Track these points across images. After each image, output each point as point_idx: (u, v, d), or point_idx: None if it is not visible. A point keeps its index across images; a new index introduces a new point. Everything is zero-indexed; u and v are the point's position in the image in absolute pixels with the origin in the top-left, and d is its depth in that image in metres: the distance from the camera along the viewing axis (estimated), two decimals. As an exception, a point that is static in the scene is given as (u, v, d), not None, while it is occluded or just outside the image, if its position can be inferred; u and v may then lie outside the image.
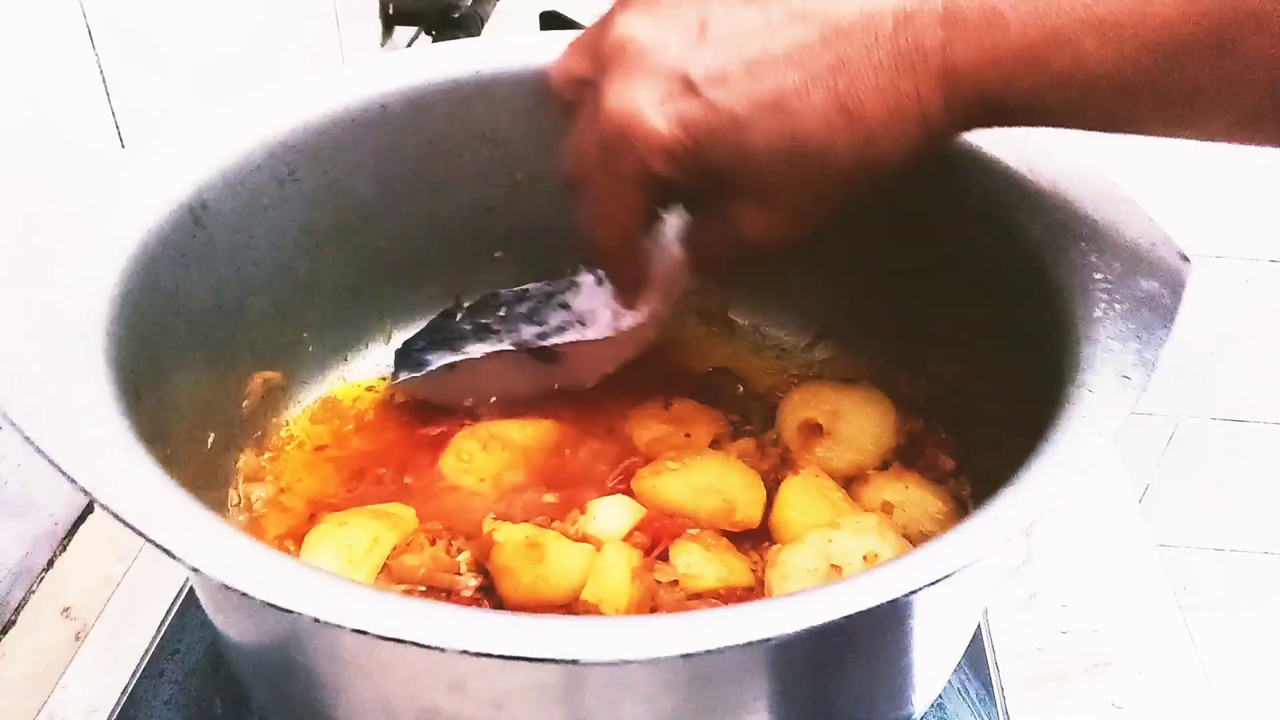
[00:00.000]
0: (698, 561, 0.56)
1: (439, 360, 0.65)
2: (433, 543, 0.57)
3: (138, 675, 0.61)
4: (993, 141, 0.59)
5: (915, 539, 0.58)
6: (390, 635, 0.34)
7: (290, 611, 0.34)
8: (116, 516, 0.37)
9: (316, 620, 0.34)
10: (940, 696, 0.60)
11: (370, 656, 0.41)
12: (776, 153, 0.48)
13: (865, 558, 0.55)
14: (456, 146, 0.68)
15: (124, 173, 0.55)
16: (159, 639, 0.63)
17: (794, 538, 0.57)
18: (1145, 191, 0.60)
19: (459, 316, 0.67)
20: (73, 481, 0.38)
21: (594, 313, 0.66)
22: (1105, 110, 0.46)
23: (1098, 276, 0.50)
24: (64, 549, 0.70)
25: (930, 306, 0.64)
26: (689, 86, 0.48)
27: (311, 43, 1.00)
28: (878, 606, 0.35)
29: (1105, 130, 0.48)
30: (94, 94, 0.69)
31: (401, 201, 0.68)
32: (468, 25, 1.10)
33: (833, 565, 0.55)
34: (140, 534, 0.37)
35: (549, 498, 0.61)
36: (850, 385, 0.67)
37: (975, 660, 0.63)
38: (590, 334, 0.65)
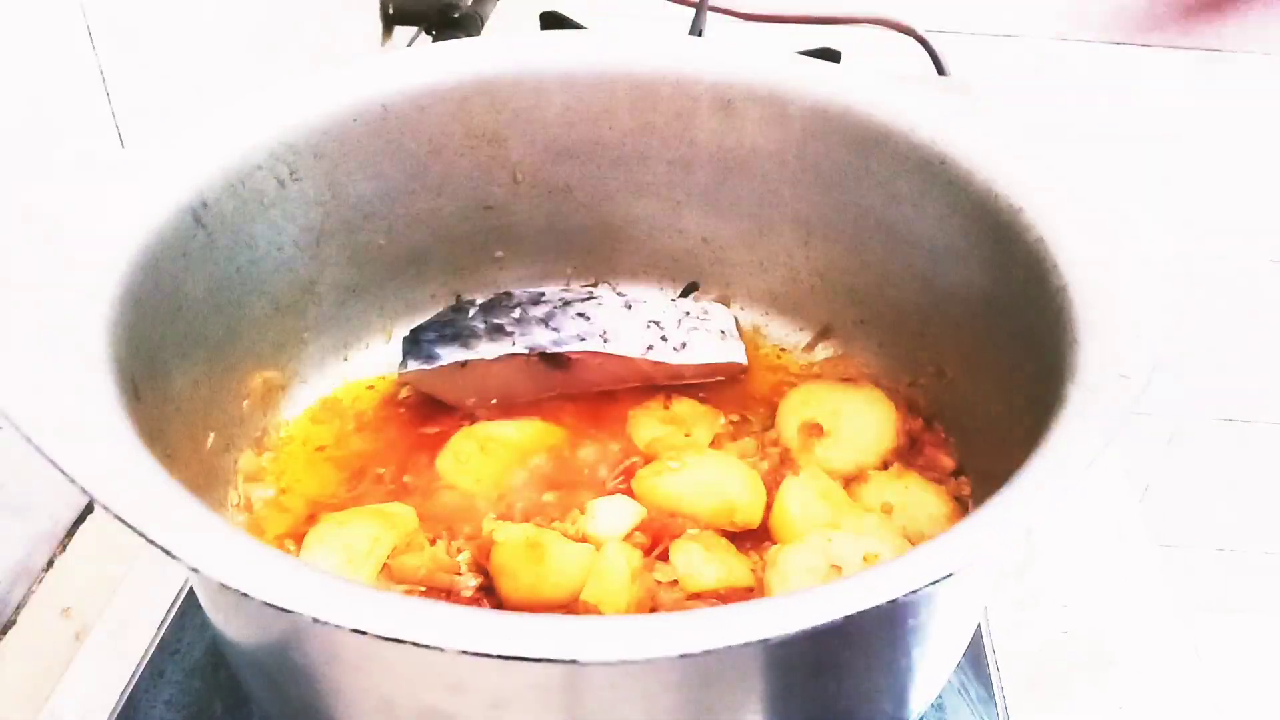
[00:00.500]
0: (698, 561, 0.56)
1: (450, 356, 0.65)
2: (433, 543, 0.57)
3: (138, 675, 0.61)
4: (993, 142, 0.59)
5: (915, 539, 0.58)
6: (390, 635, 0.34)
7: (290, 611, 0.35)
8: (116, 516, 0.37)
9: (316, 620, 0.34)
10: (940, 696, 0.60)
11: (370, 656, 0.41)
12: None
13: (865, 558, 0.55)
14: (457, 146, 0.68)
15: (124, 173, 0.55)
16: (159, 639, 0.63)
17: (794, 538, 0.57)
18: (1145, 192, 0.60)
19: (471, 313, 0.67)
20: (73, 481, 0.38)
21: (619, 331, 0.66)
22: None
23: (1098, 277, 0.50)
24: (64, 549, 0.70)
25: (930, 306, 0.64)
26: None
27: (311, 43, 1.00)
28: (878, 606, 0.35)
29: None
30: (94, 94, 0.69)
31: (402, 201, 0.68)
32: (468, 25, 1.10)
33: (833, 565, 0.55)
34: (140, 534, 0.37)
35: (549, 497, 0.61)
36: (850, 385, 0.67)
37: (975, 660, 0.63)
38: (612, 349, 0.65)
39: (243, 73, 0.87)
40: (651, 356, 0.66)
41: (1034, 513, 0.39)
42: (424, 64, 0.66)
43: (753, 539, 0.59)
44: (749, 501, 0.59)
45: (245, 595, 0.35)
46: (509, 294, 0.69)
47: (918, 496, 0.60)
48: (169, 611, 0.65)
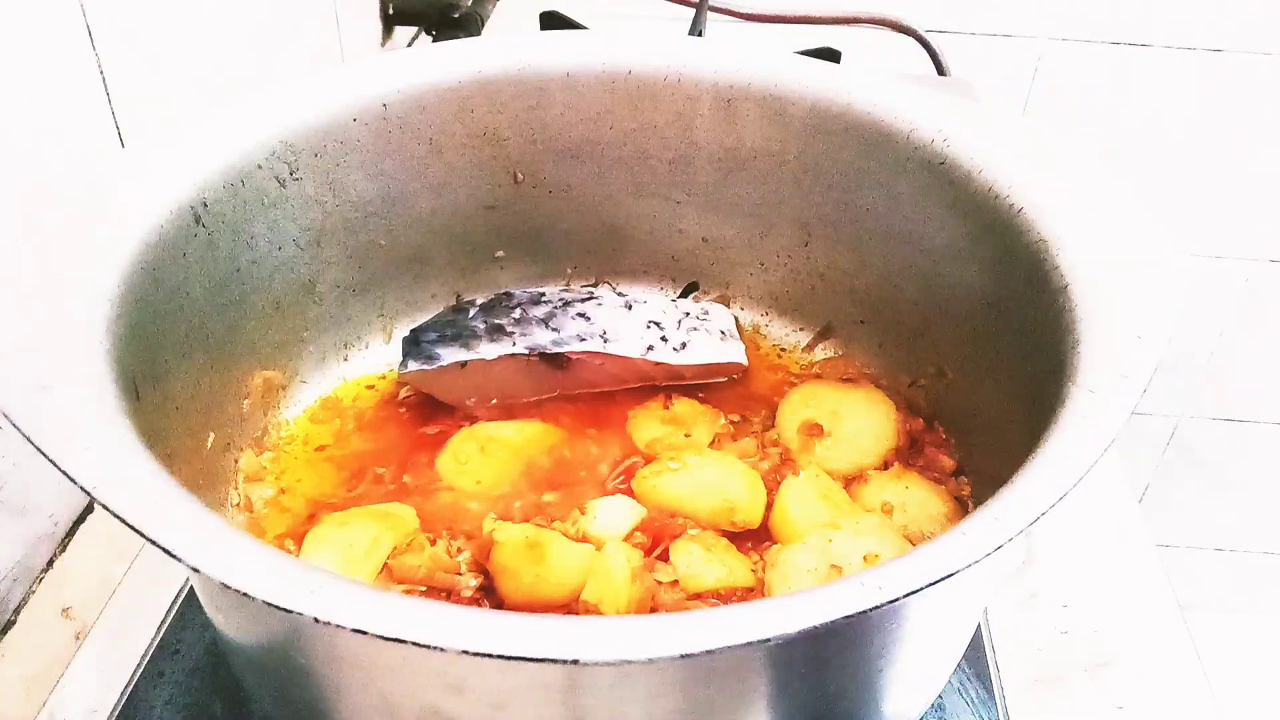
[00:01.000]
0: (698, 561, 0.56)
1: (451, 356, 0.65)
2: (433, 543, 0.57)
3: (138, 675, 0.61)
4: (993, 142, 0.59)
5: (915, 539, 0.58)
6: (390, 635, 0.34)
7: (290, 611, 0.35)
8: (117, 516, 0.37)
9: (317, 620, 0.34)
10: (940, 696, 0.60)
11: (371, 656, 0.41)
12: None
13: (865, 558, 0.55)
14: (457, 146, 0.68)
15: (124, 173, 0.55)
16: (159, 639, 0.63)
17: (794, 538, 0.57)
18: (1146, 192, 0.60)
19: (471, 314, 0.67)
20: (73, 481, 0.38)
21: (619, 331, 0.66)
22: None
23: (1098, 277, 0.50)
24: (64, 549, 0.70)
25: (930, 306, 0.64)
26: None
27: (311, 43, 1.00)
28: (878, 606, 0.35)
29: None
30: (94, 94, 0.69)
31: (402, 200, 0.68)
32: (468, 25, 1.10)
33: (833, 565, 0.55)
34: (140, 533, 0.37)
35: (549, 497, 0.61)
36: (850, 385, 0.67)
37: (975, 660, 0.63)
38: (612, 349, 0.65)
39: (243, 72, 0.87)
40: (652, 357, 0.66)
41: (1034, 513, 0.39)
42: (424, 64, 0.66)
43: (753, 539, 0.59)
44: (749, 501, 0.59)
45: (246, 595, 0.35)
46: (509, 294, 0.69)
47: (918, 496, 0.60)
48: (169, 611, 0.65)
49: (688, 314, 0.70)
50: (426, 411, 0.67)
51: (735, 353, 0.69)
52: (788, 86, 0.66)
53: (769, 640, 0.34)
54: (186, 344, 0.56)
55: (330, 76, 0.64)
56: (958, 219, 0.60)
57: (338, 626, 0.34)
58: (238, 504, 0.60)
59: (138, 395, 0.47)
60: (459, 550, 0.57)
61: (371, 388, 0.69)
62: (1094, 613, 0.67)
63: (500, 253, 0.73)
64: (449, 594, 0.55)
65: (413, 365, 0.65)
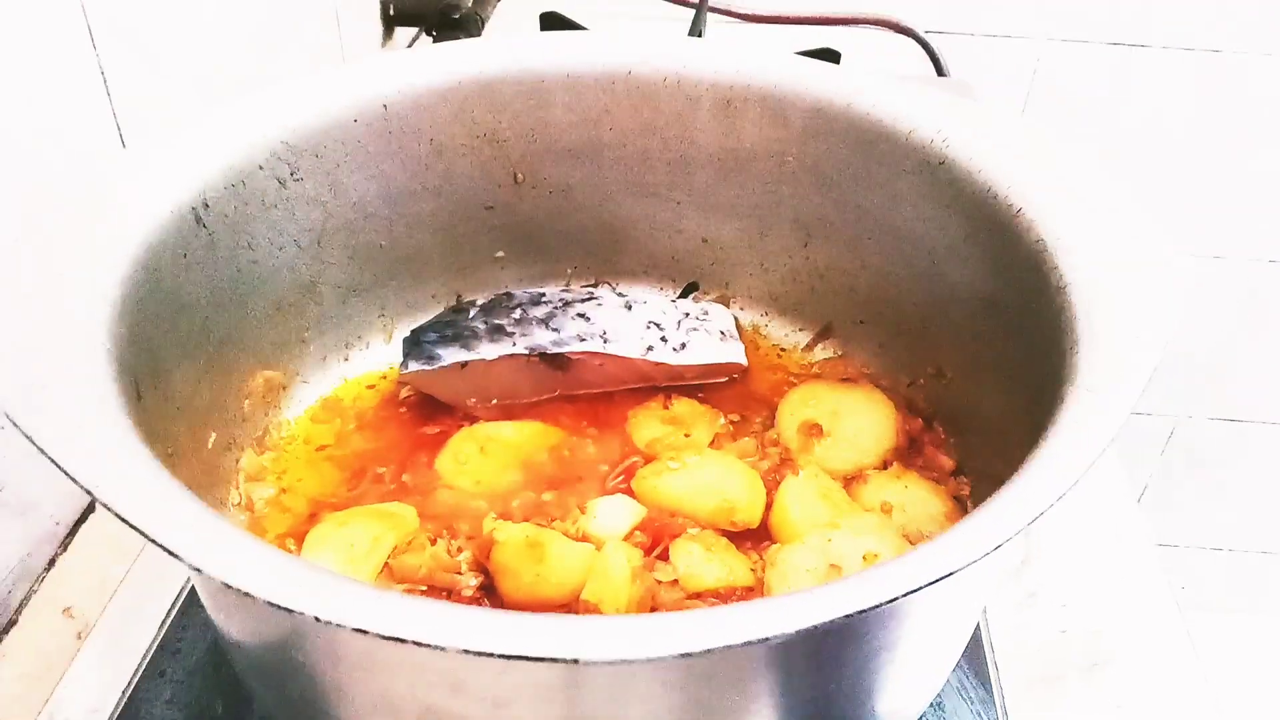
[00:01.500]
0: (698, 561, 0.56)
1: (451, 357, 0.65)
2: (433, 542, 0.57)
3: (139, 675, 0.61)
4: (993, 142, 0.59)
5: (915, 539, 0.58)
6: (391, 635, 0.34)
7: (291, 611, 0.35)
8: (118, 516, 0.37)
9: (318, 619, 0.34)
10: (940, 696, 0.60)
11: (371, 656, 0.41)
12: None
13: (865, 558, 0.55)
14: (457, 146, 0.68)
15: (124, 173, 0.55)
16: (160, 638, 0.63)
17: (794, 538, 0.57)
18: (1146, 192, 0.60)
19: (472, 314, 0.67)
20: (74, 480, 0.38)
21: (619, 331, 0.66)
22: None
23: (1098, 277, 0.50)
24: (65, 549, 0.70)
25: (930, 306, 0.64)
26: None
27: (311, 43, 1.00)
28: (877, 606, 0.35)
29: None
30: (94, 94, 0.69)
31: (402, 201, 0.68)
32: (468, 25, 1.10)
33: (832, 565, 0.55)
34: (142, 533, 0.37)
35: (548, 497, 0.61)
36: (850, 385, 0.67)
37: (975, 660, 0.63)
38: (612, 349, 0.65)
39: (243, 72, 0.87)
40: (651, 357, 0.66)
41: (1034, 513, 0.39)
42: (424, 64, 0.66)
43: (753, 539, 0.59)
44: (749, 501, 0.60)
45: (247, 595, 0.35)
46: (509, 294, 0.69)
47: (917, 496, 0.60)
48: (170, 611, 0.65)
49: (687, 314, 0.70)
50: (427, 411, 0.67)
51: (735, 353, 0.69)
52: (788, 86, 0.66)
53: (769, 640, 0.34)
54: (187, 344, 0.56)
55: (330, 76, 0.64)
56: (958, 219, 0.60)
57: (339, 626, 0.34)
58: (239, 504, 0.60)
59: (139, 395, 0.47)
60: (459, 550, 0.57)
61: (372, 388, 0.69)
62: (1093, 612, 0.68)
63: (500, 253, 0.73)
64: (449, 594, 0.55)
65: (413, 365, 0.65)
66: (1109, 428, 0.42)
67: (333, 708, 0.45)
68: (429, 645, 0.34)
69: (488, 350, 0.65)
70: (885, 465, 0.63)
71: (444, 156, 0.68)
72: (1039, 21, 1.36)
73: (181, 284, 0.55)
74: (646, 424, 0.66)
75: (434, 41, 1.12)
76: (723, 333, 0.69)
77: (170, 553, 0.36)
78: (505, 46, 0.67)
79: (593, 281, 0.76)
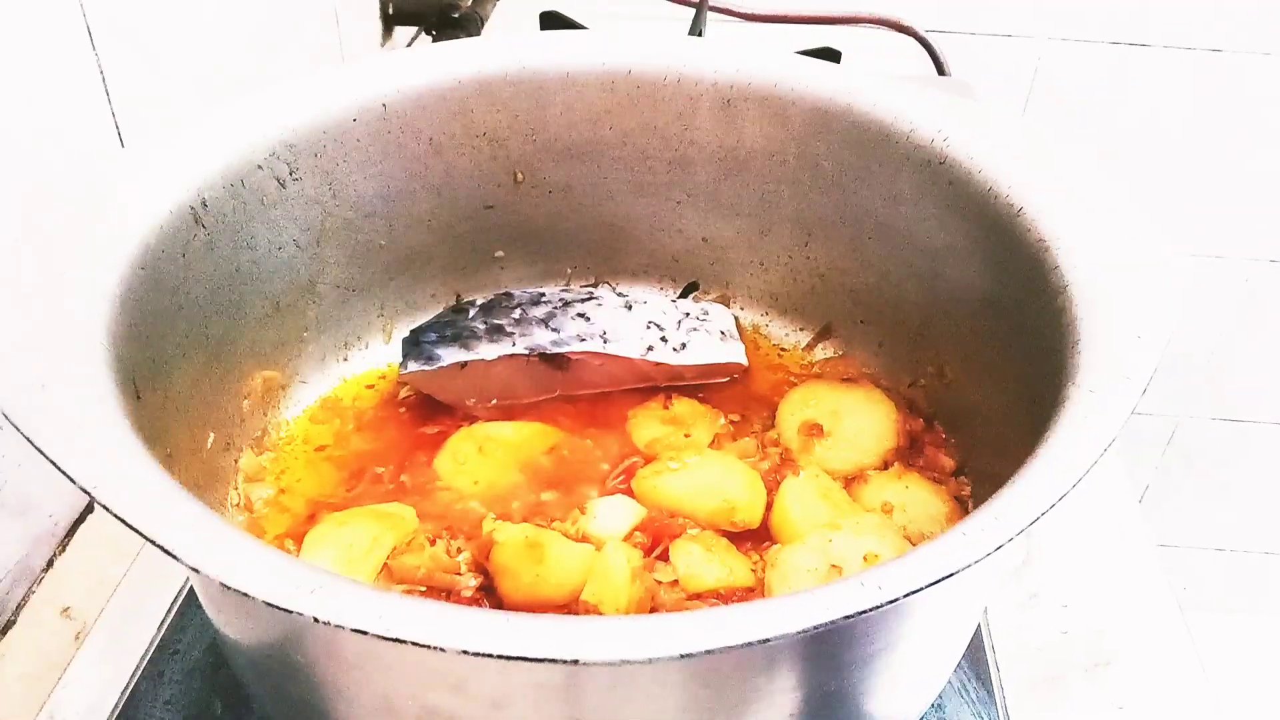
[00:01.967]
0: (698, 561, 0.56)
1: (451, 357, 0.65)
2: (433, 543, 0.57)
3: (137, 675, 0.61)
4: (993, 142, 0.59)
5: (915, 539, 0.58)
6: (390, 635, 0.34)
7: (290, 611, 0.35)
8: (117, 516, 0.37)
9: (317, 620, 0.34)
10: (940, 696, 0.60)
11: (371, 656, 0.41)
12: None
13: (865, 558, 0.55)
14: (457, 146, 0.68)
15: (124, 173, 0.55)
16: (159, 639, 0.63)
17: (794, 538, 0.57)
18: (1145, 192, 0.60)
19: (471, 314, 0.67)
20: (73, 481, 0.38)
21: (619, 331, 0.66)
22: None
23: (1098, 278, 0.50)
24: (64, 549, 0.70)
25: (930, 306, 0.64)
26: None
27: (311, 43, 1.00)
28: (878, 607, 0.35)
29: None
30: (94, 94, 0.69)
31: (402, 200, 0.68)
32: (468, 25, 1.10)
33: (833, 565, 0.55)
34: (140, 534, 0.37)
35: (548, 497, 0.61)
36: (850, 385, 0.67)
37: (975, 660, 0.63)
38: (612, 349, 0.65)
39: (243, 72, 0.87)
40: (651, 357, 0.66)
41: (1035, 513, 0.39)
42: (424, 64, 0.66)
43: (753, 539, 0.59)
44: (749, 501, 0.59)
45: (246, 595, 0.35)
46: (509, 294, 0.69)
47: (918, 496, 0.60)
48: (169, 611, 0.65)
49: (688, 314, 0.70)
50: (426, 411, 0.67)
51: (735, 353, 0.69)
52: (788, 86, 0.66)
53: (769, 640, 0.34)
54: (186, 344, 0.56)
55: (330, 76, 0.64)
56: (958, 219, 0.60)
57: (338, 626, 0.34)
58: (238, 504, 0.60)
59: (138, 395, 0.47)
60: (459, 550, 0.57)
61: (371, 388, 0.69)
62: (1094, 613, 0.67)
63: (500, 253, 0.73)
64: (449, 594, 0.55)
65: (413, 366, 0.65)
66: (1110, 428, 0.42)
67: (332, 708, 0.45)
68: (428, 646, 0.34)
69: (487, 350, 0.65)
70: (886, 465, 0.63)
71: (443, 156, 0.68)
72: (1039, 21, 1.36)
73: (180, 283, 0.55)
74: (646, 424, 0.66)
75: (433, 41, 1.12)
76: (723, 333, 0.69)
77: (169, 553, 0.36)
78: (505, 46, 0.67)
79: (593, 281, 0.76)
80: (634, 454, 0.64)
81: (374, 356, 0.71)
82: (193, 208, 0.56)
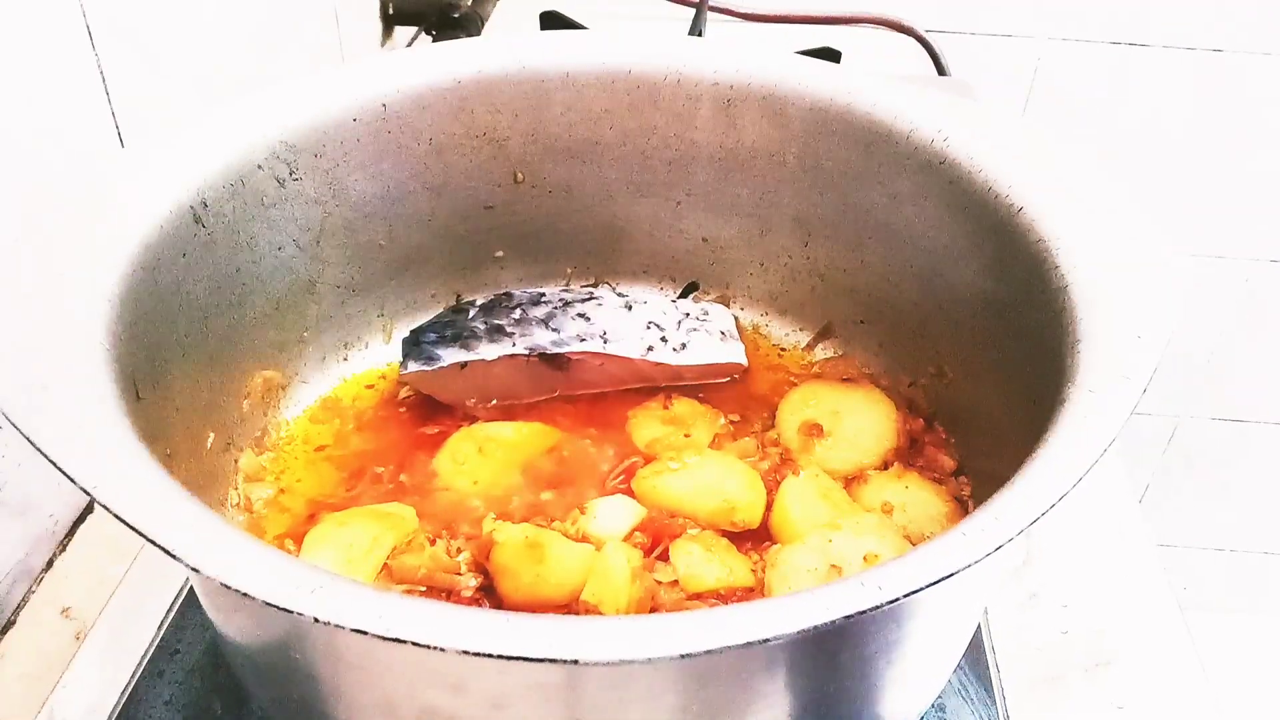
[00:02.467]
0: (698, 561, 0.56)
1: (451, 357, 0.65)
2: (433, 543, 0.57)
3: (137, 675, 0.61)
4: (993, 142, 0.59)
5: (915, 539, 0.58)
6: (390, 635, 0.34)
7: (290, 611, 0.35)
8: (116, 516, 0.37)
9: (317, 620, 0.34)
10: (941, 697, 0.60)
11: (370, 656, 0.41)
12: None
13: (865, 558, 0.55)
14: (457, 146, 0.68)
15: (124, 173, 0.55)
16: (159, 639, 0.63)
17: (794, 538, 0.57)
18: (1145, 192, 0.60)
19: (471, 314, 0.67)
20: (73, 481, 0.38)
21: (619, 332, 0.66)
22: None
23: (1098, 277, 0.50)
24: (64, 549, 0.70)
25: (930, 306, 0.64)
26: None
27: (311, 43, 1.00)
28: (878, 606, 0.35)
29: None
30: (94, 94, 0.69)
31: (402, 200, 0.68)
32: (468, 25, 1.10)
33: (833, 565, 0.55)
34: (140, 534, 0.37)
35: (547, 497, 0.61)
36: (850, 385, 0.67)
37: (975, 660, 0.63)
38: (612, 349, 0.65)
39: (243, 72, 0.87)
40: (651, 357, 0.66)
41: (1035, 513, 0.39)
42: (424, 64, 0.66)
43: (753, 539, 0.59)
44: (749, 501, 0.59)
45: (246, 595, 0.35)
46: (509, 294, 0.69)
47: (918, 496, 0.60)
48: (169, 611, 0.65)
49: (688, 314, 0.70)
50: (426, 412, 0.67)
51: (735, 353, 0.69)
52: (788, 86, 0.66)
53: (769, 640, 0.34)
54: (186, 344, 0.56)
55: (330, 76, 0.64)
56: (957, 219, 0.60)
57: (338, 626, 0.34)
58: (237, 504, 0.60)
59: (137, 395, 0.47)
60: (459, 550, 0.57)
61: (371, 388, 0.69)
62: (1094, 613, 0.67)
63: (500, 253, 0.73)
64: (449, 594, 0.55)
65: (413, 366, 0.65)
66: (1110, 428, 0.42)
67: (331, 708, 0.45)
68: (428, 646, 0.34)
69: (487, 350, 0.65)
70: (886, 465, 0.63)
71: (443, 156, 0.68)
72: (1039, 21, 1.36)
73: (180, 283, 0.55)
74: (646, 424, 0.66)
75: (433, 41, 1.12)
76: (723, 333, 0.69)
77: (169, 553, 0.36)
78: (505, 46, 0.67)
79: (593, 281, 0.76)
80: (634, 454, 0.64)
81: (374, 356, 0.71)
82: (193, 208, 0.56)
